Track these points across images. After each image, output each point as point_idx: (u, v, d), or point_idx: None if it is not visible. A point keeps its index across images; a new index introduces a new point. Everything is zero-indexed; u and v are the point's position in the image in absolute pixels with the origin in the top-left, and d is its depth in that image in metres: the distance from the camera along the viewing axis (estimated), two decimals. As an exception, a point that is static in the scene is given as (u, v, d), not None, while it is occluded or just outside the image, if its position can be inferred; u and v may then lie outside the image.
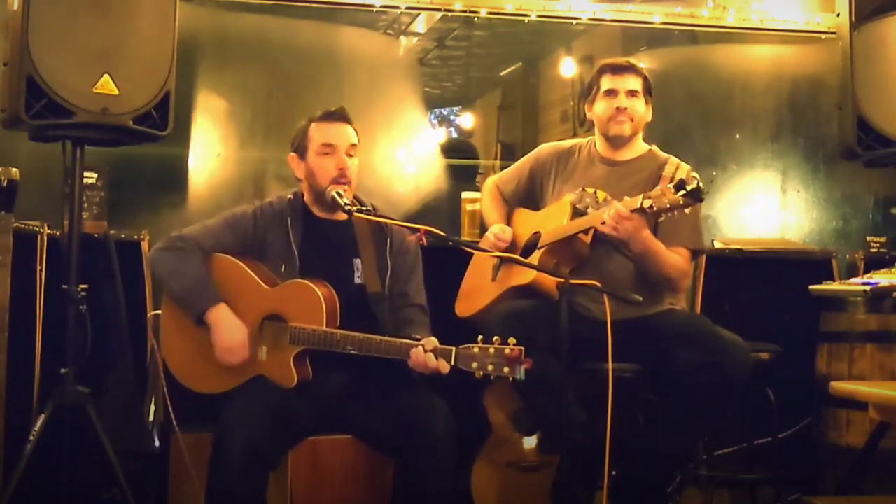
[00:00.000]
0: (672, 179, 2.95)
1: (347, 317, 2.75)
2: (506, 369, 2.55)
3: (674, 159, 3.17)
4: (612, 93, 3.17)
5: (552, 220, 3.12)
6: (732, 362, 2.87)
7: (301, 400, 2.74)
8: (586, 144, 3.31)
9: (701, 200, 2.76)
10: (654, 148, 3.27)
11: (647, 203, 2.80)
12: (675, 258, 3.05)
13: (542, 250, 3.06)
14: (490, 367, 2.56)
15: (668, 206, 2.77)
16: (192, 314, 2.79)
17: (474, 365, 2.58)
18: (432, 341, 2.65)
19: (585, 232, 3.02)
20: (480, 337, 2.61)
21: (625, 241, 2.95)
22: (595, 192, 3.09)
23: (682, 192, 2.72)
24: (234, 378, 2.78)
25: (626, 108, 3.15)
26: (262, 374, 2.76)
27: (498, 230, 3.25)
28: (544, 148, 3.39)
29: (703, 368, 2.86)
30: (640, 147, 3.26)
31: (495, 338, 2.58)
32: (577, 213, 3.07)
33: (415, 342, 2.65)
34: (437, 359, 2.61)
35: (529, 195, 3.35)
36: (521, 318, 2.91)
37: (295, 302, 2.76)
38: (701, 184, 2.71)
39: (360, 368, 2.79)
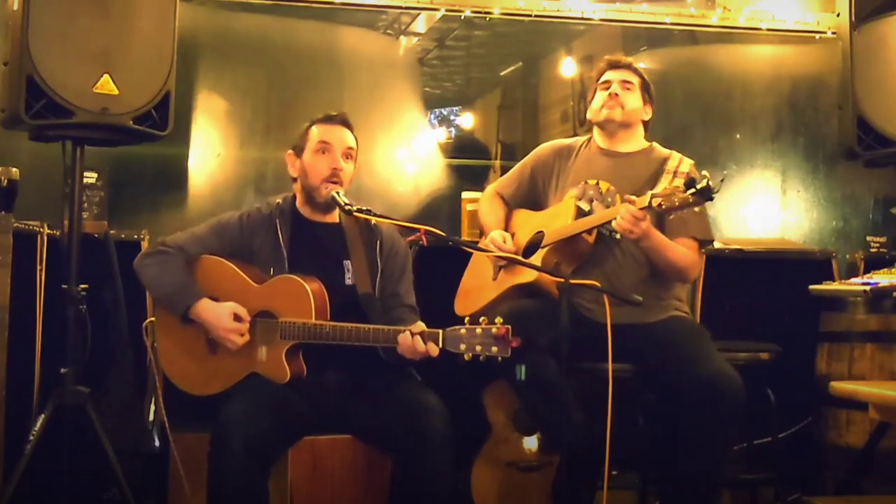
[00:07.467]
0: (675, 172, 2.96)
1: (339, 317, 2.75)
2: (494, 349, 2.53)
3: (676, 154, 3.17)
4: (606, 83, 3.25)
5: (556, 220, 3.12)
6: (722, 399, 2.82)
7: (299, 398, 2.74)
8: (585, 140, 3.32)
9: (711, 199, 2.73)
10: (656, 144, 3.27)
11: (655, 201, 2.79)
12: (683, 249, 3.05)
13: (545, 249, 3.05)
14: (478, 348, 2.54)
15: (677, 204, 2.75)
16: (177, 314, 2.80)
17: (462, 346, 2.56)
18: (419, 325, 2.66)
19: (589, 232, 3.02)
20: (467, 318, 2.59)
21: (637, 238, 2.92)
22: (597, 183, 3.11)
23: (692, 190, 2.71)
24: (228, 378, 2.79)
25: (617, 95, 3.21)
26: (256, 371, 2.77)
27: (498, 238, 3.22)
28: (544, 147, 3.39)
29: (697, 398, 2.82)
30: (640, 142, 3.27)
31: (482, 318, 2.56)
32: (580, 213, 3.07)
33: (402, 329, 2.65)
34: (425, 343, 2.61)
35: (531, 196, 3.35)
36: (521, 318, 2.90)
37: (284, 297, 2.76)
38: (711, 182, 2.69)
39: (357, 367, 2.80)
